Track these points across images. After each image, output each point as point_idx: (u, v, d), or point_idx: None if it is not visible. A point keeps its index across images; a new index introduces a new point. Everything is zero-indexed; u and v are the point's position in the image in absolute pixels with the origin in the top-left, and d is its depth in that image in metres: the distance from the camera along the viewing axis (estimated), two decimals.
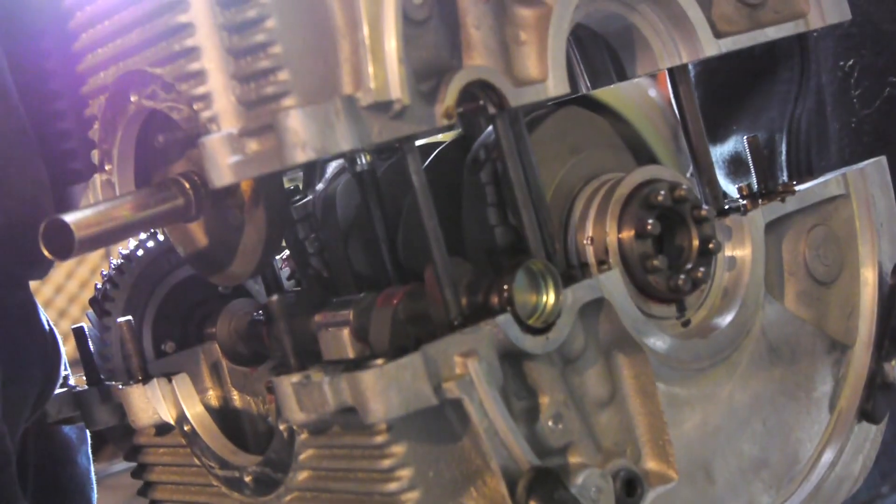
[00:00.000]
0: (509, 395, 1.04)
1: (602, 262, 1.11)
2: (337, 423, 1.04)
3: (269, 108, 0.98)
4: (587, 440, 1.07)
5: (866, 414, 1.26)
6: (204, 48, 1.03)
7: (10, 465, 1.32)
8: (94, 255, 3.28)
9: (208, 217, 1.15)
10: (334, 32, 0.98)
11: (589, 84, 1.31)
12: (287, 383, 1.01)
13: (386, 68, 0.96)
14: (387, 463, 1.01)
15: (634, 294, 1.11)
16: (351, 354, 1.15)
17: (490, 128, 1.16)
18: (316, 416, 1.01)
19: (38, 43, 1.23)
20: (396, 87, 0.96)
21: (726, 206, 1.22)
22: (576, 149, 1.16)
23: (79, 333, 1.30)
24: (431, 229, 1.02)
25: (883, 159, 1.31)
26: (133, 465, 1.34)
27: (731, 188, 1.67)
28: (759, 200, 1.22)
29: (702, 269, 1.14)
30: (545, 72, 1.05)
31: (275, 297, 1.05)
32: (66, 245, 1.05)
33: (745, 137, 1.28)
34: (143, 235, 1.35)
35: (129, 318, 1.22)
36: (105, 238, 1.07)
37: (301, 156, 0.94)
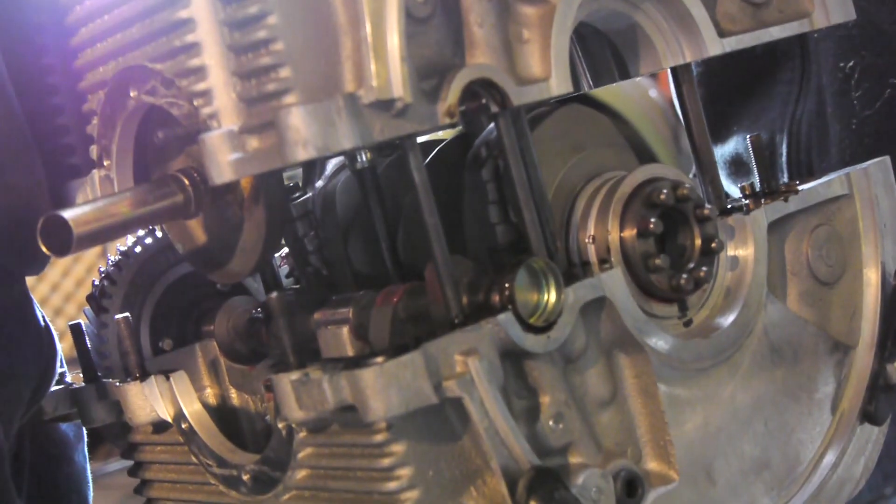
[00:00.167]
0: (510, 394, 1.05)
1: (604, 261, 1.12)
2: (336, 421, 1.05)
3: (270, 106, 0.99)
4: (588, 440, 1.08)
5: (868, 415, 1.27)
6: (205, 44, 1.03)
7: (2, 463, 1.33)
8: (91, 254, 3.29)
9: (207, 214, 1.16)
10: (336, 29, 0.99)
11: (591, 83, 1.32)
12: (286, 381, 1.02)
13: (388, 66, 0.97)
14: (386, 462, 1.02)
15: (636, 293, 1.12)
16: (350, 353, 1.16)
17: (491, 125, 1.17)
18: (315, 415, 1.02)
19: (36, 38, 1.23)
20: (399, 86, 0.97)
21: (729, 206, 1.23)
22: (578, 147, 1.17)
23: (76, 330, 1.31)
24: (432, 227, 1.03)
25: (887, 159, 1.32)
26: (129, 463, 1.35)
27: (732, 189, 1.68)
28: (762, 200, 1.23)
29: (704, 268, 1.15)
30: (548, 70, 1.06)
31: (274, 295, 1.06)
32: (65, 241, 1.05)
33: (747, 136, 1.29)
34: (141, 232, 1.36)
35: (127, 314, 1.23)
36: (103, 234, 1.08)
37: (302, 153, 0.95)
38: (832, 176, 1.28)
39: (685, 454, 1.13)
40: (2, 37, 1.26)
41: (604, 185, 1.15)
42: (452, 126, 1.05)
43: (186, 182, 1.11)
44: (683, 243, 1.16)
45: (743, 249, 1.20)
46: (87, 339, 1.32)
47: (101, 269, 1.35)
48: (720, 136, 1.76)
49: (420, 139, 1.11)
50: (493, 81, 1.04)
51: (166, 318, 1.35)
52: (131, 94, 1.12)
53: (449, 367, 0.99)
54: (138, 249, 1.34)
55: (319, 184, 1.38)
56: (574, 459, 1.07)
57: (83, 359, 1.31)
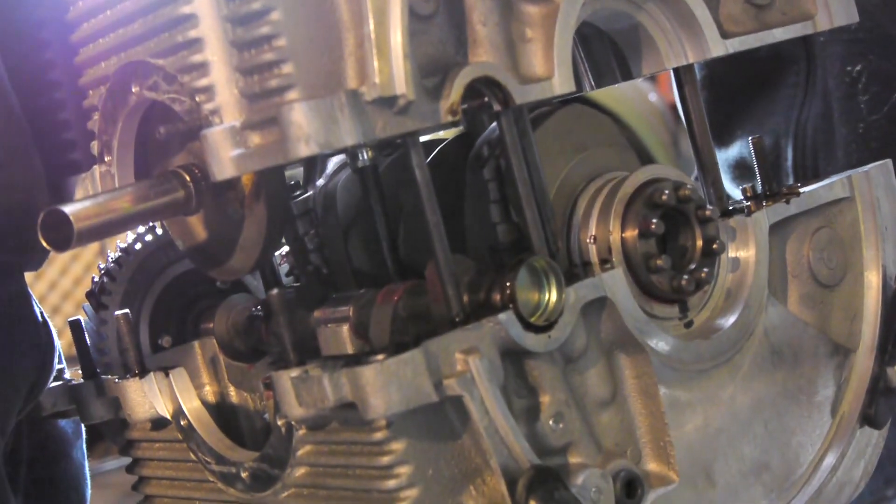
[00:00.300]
0: (510, 393, 1.05)
1: (605, 262, 1.12)
2: (336, 418, 1.05)
3: (272, 102, 1.00)
4: (588, 440, 1.09)
5: (868, 419, 1.28)
6: (207, 40, 1.04)
7: None
8: (89, 252, 3.30)
9: (208, 211, 1.16)
10: (339, 26, 0.99)
11: (593, 83, 1.33)
12: (286, 378, 1.03)
13: (391, 63, 0.97)
14: (386, 460, 1.02)
15: (637, 294, 1.13)
16: (350, 351, 1.16)
17: (493, 124, 1.18)
18: (315, 412, 1.03)
19: (37, 33, 1.24)
20: (401, 83, 0.97)
21: (730, 207, 1.23)
22: (580, 147, 1.18)
23: (75, 326, 1.32)
24: (434, 225, 1.03)
25: (888, 162, 1.32)
26: (126, 462, 1.35)
27: (735, 192, 1.69)
28: (764, 202, 1.24)
29: (705, 269, 1.15)
30: (551, 69, 1.07)
31: (275, 291, 1.06)
32: (65, 236, 1.06)
33: (749, 139, 1.29)
34: (141, 229, 1.36)
35: (127, 311, 1.23)
36: (104, 230, 1.09)
37: (304, 150, 0.96)
38: (833, 178, 1.29)
39: (685, 455, 1.13)
40: (2, 32, 1.27)
41: (605, 185, 1.16)
42: (455, 124, 1.06)
43: (187, 178, 1.12)
44: (685, 244, 1.16)
45: (744, 251, 1.20)
46: (86, 335, 1.32)
47: (101, 266, 1.35)
48: (725, 140, 1.76)
49: (421, 138, 1.12)
50: (496, 80, 1.04)
51: (166, 315, 1.35)
52: (133, 90, 1.12)
53: (449, 365, 0.99)
54: (138, 246, 1.35)
55: (320, 182, 1.39)
56: (574, 459, 1.08)
57: (82, 355, 1.31)
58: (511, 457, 1.01)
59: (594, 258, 1.13)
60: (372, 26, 0.98)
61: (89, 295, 1.34)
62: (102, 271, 1.34)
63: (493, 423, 1.01)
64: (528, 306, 1.03)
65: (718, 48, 1.19)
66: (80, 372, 1.33)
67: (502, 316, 1.02)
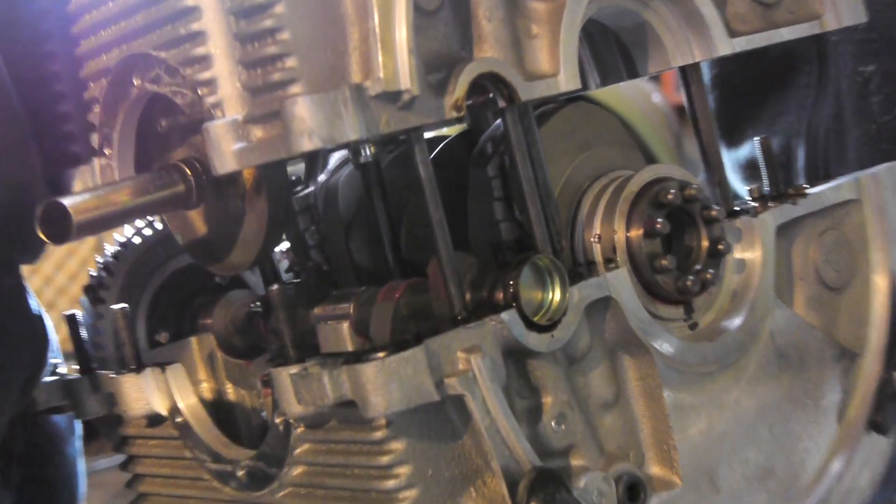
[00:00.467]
0: (512, 393, 1.06)
1: (609, 261, 1.13)
2: (335, 417, 1.06)
3: (275, 95, 1.01)
4: (590, 442, 1.10)
5: (876, 425, 1.29)
6: (210, 32, 1.05)
7: None
8: (85, 247, 3.30)
9: (209, 205, 1.17)
10: (344, 20, 1.00)
11: (599, 81, 1.33)
12: (285, 375, 1.03)
13: (396, 58, 0.98)
14: (385, 459, 1.03)
15: (641, 294, 1.14)
16: (350, 349, 1.17)
17: (497, 121, 1.19)
18: (314, 409, 1.03)
19: (38, 25, 1.24)
20: (406, 78, 0.98)
21: (737, 208, 1.24)
22: (585, 145, 1.19)
23: (71, 320, 1.33)
24: (437, 221, 1.04)
25: None
26: (118, 461, 1.36)
27: (743, 192, 1.70)
28: (770, 203, 1.24)
29: (711, 270, 1.16)
30: (557, 66, 1.08)
31: (275, 287, 1.07)
32: (64, 229, 1.07)
33: (756, 138, 1.30)
34: (140, 223, 1.37)
35: (125, 305, 1.24)
36: (103, 223, 1.10)
37: (307, 144, 0.96)
38: (841, 180, 1.30)
39: (689, 459, 1.14)
40: (2, 24, 1.27)
41: (610, 183, 1.17)
42: (459, 120, 1.07)
43: (188, 172, 1.13)
44: (690, 244, 1.17)
45: (750, 252, 1.21)
46: (82, 329, 1.33)
47: (99, 260, 1.36)
48: (735, 140, 1.77)
49: (425, 135, 1.12)
50: (501, 76, 1.05)
51: (163, 311, 1.36)
52: (134, 83, 1.13)
53: (451, 364, 1.00)
54: (137, 240, 1.36)
55: (322, 178, 1.40)
56: (576, 462, 1.09)
57: (78, 349, 1.32)
58: (512, 458, 1.02)
59: (598, 257, 1.14)
60: (377, 21, 0.99)
61: (86, 289, 1.35)
62: (100, 265, 1.35)
63: (495, 424, 1.02)
64: (531, 305, 1.04)
65: (725, 47, 1.20)
66: (75, 367, 1.34)
67: (505, 315, 1.03)
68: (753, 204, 1.25)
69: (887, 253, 1.30)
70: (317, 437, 1.09)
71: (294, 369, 1.03)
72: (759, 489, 1.21)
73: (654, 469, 1.13)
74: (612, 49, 1.29)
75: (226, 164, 1.04)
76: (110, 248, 1.37)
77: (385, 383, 0.97)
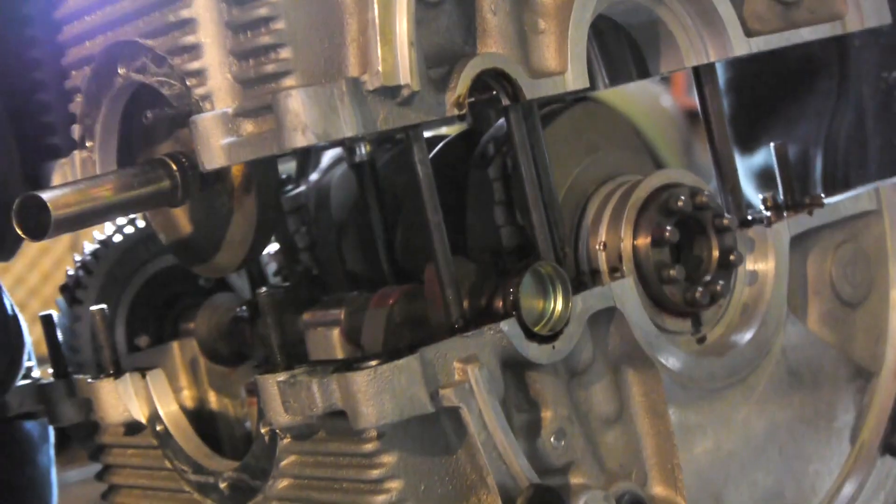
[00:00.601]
0: (510, 406, 1.06)
1: (615, 270, 1.13)
2: (323, 427, 1.06)
3: (268, 88, 1.01)
4: (591, 460, 1.10)
5: (891, 448, 1.29)
6: (201, 20, 1.05)
7: None
8: (59, 246, 3.29)
9: (195, 203, 1.17)
10: (342, 10, 1.00)
11: (607, 81, 1.34)
12: (272, 382, 1.03)
13: (396, 51, 0.98)
14: (375, 473, 1.03)
15: (648, 305, 1.14)
16: (340, 356, 1.17)
17: (500, 121, 1.19)
18: (301, 419, 1.03)
19: (19, 9, 1.24)
20: (406, 72, 0.98)
21: (749, 217, 1.24)
22: (592, 147, 1.19)
23: (47, 322, 1.32)
24: (435, 225, 1.04)
25: None
26: (92, 471, 1.36)
27: (758, 201, 1.70)
28: (785, 212, 1.25)
29: (721, 282, 1.16)
30: (564, 63, 1.08)
31: (264, 290, 1.07)
32: (42, 224, 1.07)
33: (772, 144, 1.30)
34: (121, 220, 1.37)
35: (104, 306, 1.24)
36: (83, 219, 1.10)
37: (301, 139, 0.96)
38: (860, 190, 1.30)
39: (694, 480, 1.14)
40: None
41: (618, 188, 1.17)
42: (461, 118, 1.07)
43: (174, 167, 1.12)
44: (700, 254, 1.17)
45: (763, 264, 1.21)
46: (58, 331, 1.33)
47: (77, 259, 1.36)
48: (750, 147, 1.77)
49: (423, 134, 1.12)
50: (506, 73, 1.05)
51: (144, 314, 1.36)
52: (119, 72, 1.13)
53: (447, 374, 1.00)
54: (118, 238, 1.36)
55: (314, 177, 1.40)
56: (575, 480, 1.09)
57: (53, 352, 1.32)
58: (509, 474, 1.02)
59: (603, 266, 1.14)
60: (377, 11, 0.99)
61: (63, 289, 1.35)
62: (78, 264, 1.35)
63: (492, 438, 1.02)
64: (531, 314, 1.05)
65: (742, 47, 1.20)
66: (50, 370, 1.34)
67: (504, 324, 1.03)
68: (767, 213, 1.25)
69: None
70: (304, 449, 1.09)
71: (282, 376, 1.03)
72: None
73: (658, 489, 1.13)
74: (623, 47, 1.29)
75: (214, 159, 1.04)
76: (89, 247, 1.37)
77: (377, 393, 0.97)
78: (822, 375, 1.26)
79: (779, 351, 1.22)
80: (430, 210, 1.04)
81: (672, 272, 1.13)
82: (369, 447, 1.03)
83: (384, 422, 0.98)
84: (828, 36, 1.25)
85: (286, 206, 1.35)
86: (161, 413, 1.23)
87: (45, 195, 1.07)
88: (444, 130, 1.41)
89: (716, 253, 1.17)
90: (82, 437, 1.33)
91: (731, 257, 1.17)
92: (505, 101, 1.06)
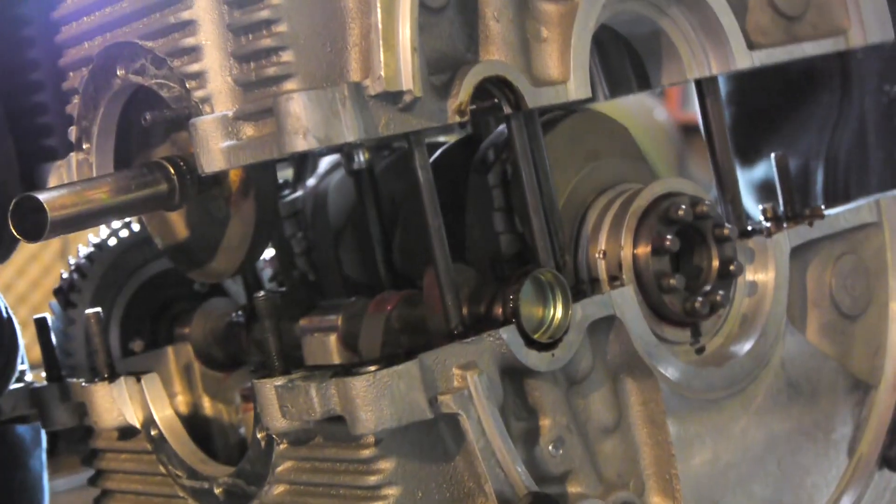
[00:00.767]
0: (508, 414, 1.07)
1: (614, 278, 1.15)
2: (321, 433, 1.07)
3: (268, 91, 1.02)
4: (588, 469, 1.11)
5: (889, 461, 1.30)
6: (201, 22, 1.06)
7: None
8: (48, 253, 3.29)
9: (192, 207, 1.18)
10: (344, 14, 1.02)
11: (607, 92, 1.35)
12: (270, 387, 1.04)
13: (398, 56, 1.00)
14: (372, 479, 1.04)
15: (647, 315, 1.15)
16: (337, 362, 1.18)
17: (500, 127, 1.20)
18: (299, 424, 1.04)
19: (16, 9, 1.26)
20: (408, 78, 1.00)
21: (750, 228, 1.25)
22: (592, 155, 1.20)
23: (41, 325, 1.33)
24: (435, 230, 1.05)
25: None
26: (82, 478, 1.36)
27: (758, 213, 1.71)
28: (785, 223, 1.26)
29: (721, 292, 1.18)
30: (566, 72, 1.10)
31: (262, 294, 1.08)
32: (38, 226, 1.08)
33: (772, 155, 1.31)
34: (117, 223, 1.38)
35: (98, 309, 1.25)
36: (80, 221, 1.10)
37: (302, 143, 0.97)
38: (861, 202, 1.32)
39: (691, 490, 1.15)
40: None
41: (618, 197, 1.18)
42: (462, 125, 1.08)
43: (171, 170, 1.13)
44: (700, 264, 1.19)
45: (763, 274, 1.23)
46: (52, 334, 1.33)
47: (72, 261, 1.37)
48: (750, 159, 1.79)
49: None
50: (508, 80, 1.07)
51: (138, 318, 1.37)
52: (118, 73, 1.14)
53: (446, 380, 1.01)
54: (113, 242, 1.37)
55: (311, 182, 1.41)
56: (573, 489, 1.10)
57: (47, 356, 1.32)
58: (507, 482, 1.03)
59: (603, 274, 1.15)
60: (379, 16, 1.00)
61: (57, 292, 1.36)
62: (73, 267, 1.36)
63: (490, 445, 1.03)
64: (531, 321, 1.06)
65: (744, 60, 1.21)
66: (43, 374, 1.34)
67: (504, 331, 1.04)
68: (767, 224, 1.26)
69: None
70: (300, 455, 1.10)
71: (279, 381, 1.04)
72: None
73: (655, 499, 1.14)
74: (623, 58, 1.31)
75: (213, 162, 1.05)
76: (84, 250, 1.37)
77: (376, 398, 0.98)
78: (821, 387, 1.27)
79: (778, 362, 1.23)
80: (431, 215, 1.05)
81: (672, 281, 1.14)
82: (367, 453, 1.03)
83: (382, 427, 0.98)
84: (831, 51, 1.26)
85: (283, 212, 1.36)
86: (156, 417, 1.24)
87: (42, 196, 1.07)
88: (440, 138, 1.43)
89: (716, 263, 1.18)
90: (75, 442, 1.34)
91: (731, 267, 1.18)
92: (507, 109, 1.08)
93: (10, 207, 1.07)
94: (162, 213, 1.21)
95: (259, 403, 1.07)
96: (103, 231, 1.39)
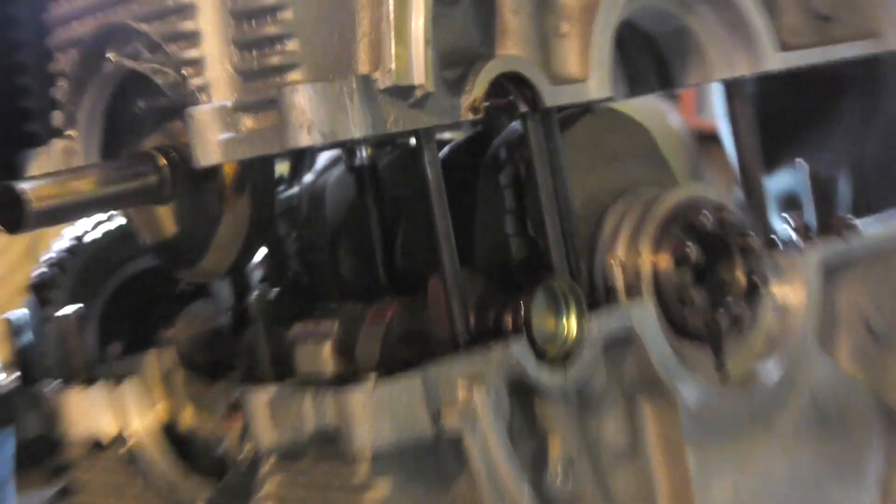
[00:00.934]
0: (515, 434, 1.09)
1: (632, 289, 1.17)
2: (313, 447, 1.09)
3: (271, 82, 1.05)
4: (600, 496, 1.13)
5: None
6: (201, 5, 1.09)
7: None
8: (13, 250, 3.31)
9: (182, 201, 1.20)
10: (354, 2, 1.04)
11: (626, 91, 1.38)
12: (260, 397, 1.07)
13: (410, 49, 1.02)
14: (367, 500, 1.05)
15: (666, 330, 1.17)
16: (331, 372, 1.20)
17: (512, 124, 1.23)
18: (290, 438, 1.06)
19: None
20: (420, 71, 1.02)
21: (777, 240, 1.27)
22: (611, 157, 1.23)
23: (12, 323, 1.35)
24: (443, 232, 1.07)
25: None
26: (50, 494, 1.38)
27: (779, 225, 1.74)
28: (816, 235, 1.28)
29: (745, 307, 1.20)
30: (587, 70, 1.12)
31: (256, 296, 1.10)
32: (18, 216, 1.10)
33: (800, 161, 1.33)
34: (99, 216, 1.40)
35: (79, 307, 1.27)
36: (63, 213, 1.13)
37: (306, 138, 1.00)
38: None
39: None
40: None
41: (638, 202, 1.20)
42: (475, 123, 1.10)
43: (163, 162, 1.16)
44: (724, 277, 1.21)
45: (791, 291, 1.25)
46: (24, 333, 1.35)
47: (51, 256, 1.39)
48: (771, 169, 1.81)
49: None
50: (525, 77, 1.09)
51: (118, 318, 1.39)
52: (109, 57, 1.17)
53: (450, 394, 1.03)
54: (94, 236, 1.39)
55: (308, 178, 1.44)
56: None
57: (17, 357, 1.34)
58: None
59: (620, 285, 1.18)
60: (391, 5, 1.02)
61: (33, 287, 1.38)
62: (51, 261, 1.38)
63: (495, 467, 1.05)
64: (543, 334, 1.08)
65: (775, 61, 1.24)
66: (11, 376, 1.36)
67: (513, 342, 1.06)
68: (795, 236, 1.28)
69: None
70: (290, 471, 1.11)
71: (270, 390, 1.06)
72: None
73: None
74: (644, 55, 1.33)
75: (210, 155, 1.08)
76: (63, 242, 1.39)
77: (375, 413, 1.00)
78: (851, 417, 1.29)
79: (805, 388, 1.26)
80: (439, 216, 1.08)
81: (694, 295, 1.17)
82: (362, 473, 1.05)
83: (381, 444, 1.01)
84: (866, 54, 1.29)
85: (277, 209, 1.38)
86: (134, 427, 1.26)
87: (23, 185, 1.10)
88: (445, 135, 1.45)
89: (741, 276, 1.20)
90: (44, 452, 1.35)
91: (758, 282, 1.20)
92: (523, 108, 1.10)
93: None
94: (150, 206, 1.23)
95: (247, 414, 1.09)
96: (83, 223, 1.41)
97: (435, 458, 1.07)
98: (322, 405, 1.02)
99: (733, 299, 1.20)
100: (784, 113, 1.77)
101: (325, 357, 1.22)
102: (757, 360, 1.24)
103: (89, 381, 1.27)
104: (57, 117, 1.23)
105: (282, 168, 1.47)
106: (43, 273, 1.38)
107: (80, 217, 1.21)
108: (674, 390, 1.15)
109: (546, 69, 1.12)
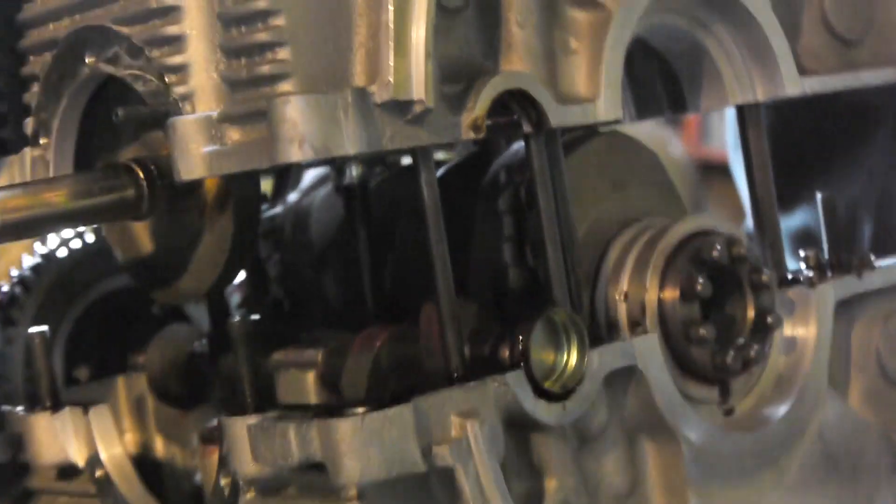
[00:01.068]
0: (509, 472, 1.10)
1: (636, 324, 1.18)
2: (296, 481, 1.10)
3: (260, 92, 1.06)
4: None
5: None
6: (187, 8, 1.10)
7: None
8: None
9: (160, 217, 1.21)
10: (351, 10, 1.05)
11: (633, 114, 1.40)
12: (241, 425, 1.07)
13: (410, 61, 1.03)
14: None
15: (672, 368, 1.19)
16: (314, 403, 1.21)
17: (514, 145, 1.24)
18: (272, 470, 1.07)
19: None
20: (420, 86, 1.03)
21: (790, 276, 1.29)
22: (618, 184, 1.25)
23: None
24: (439, 257, 1.08)
25: None
26: None
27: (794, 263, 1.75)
28: (830, 273, 1.30)
29: (755, 346, 1.22)
30: (596, 90, 1.14)
31: (237, 319, 1.11)
32: None
33: (818, 195, 1.35)
34: (68, 232, 1.41)
35: (45, 328, 1.28)
36: (33, 226, 1.14)
37: (296, 153, 1.01)
38: None
39: None
40: None
41: (644, 232, 1.22)
42: (476, 142, 1.12)
43: (141, 174, 1.16)
44: (733, 314, 1.23)
45: (803, 329, 1.27)
46: None
47: (14, 273, 1.40)
48: (786, 205, 1.82)
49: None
50: (530, 95, 1.10)
51: (87, 341, 1.39)
52: (86, 61, 1.18)
53: (442, 429, 1.04)
54: (62, 252, 1.40)
55: (293, 197, 1.45)
56: None
57: None
58: None
59: (623, 319, 1.19)
60: (391, 15, 1.04)
61: None
62: (15, 279, 1.39)
63: None
64: (541, 367, 1.09)
65: (794, 87, 1.26)
66: None
67: (510, 376, 1.07)
68: (809, 273, 1.30)
69: None
70: None
71: (252, 419, 1.07)
72: None
73: None
74: (654, 76, 1.35)
75: (193, 169, 1.08)
76: (29, 260, 1.40)
77: (364, 445, 1.01)
78: (863, 462, 1.31)
79: (815, 431, 1.27)
80: (435, 241, 1.08)
81: (701, 331, 1.18)
82: None
83: (369, 479, 1.01)
84: (891, 81, 1.31)
85: (258, 229, 1.40)
86: (103, 456, 1.27)
87: None
88: (438, 155, 1.46)
89: (751, 313, 1.22)
90: (7, 481, 1.36)
91: (769, 319, 1.22)
92: (527, 128, 1.12)
93: None
94: (125, 222, 1.24)
95: (227, 444, 1.10)
96: (52, 240, 1.42)
97: (425, 493, 1.08)
98: (307, 435, 1.03)
99: (743, 338, 1.21)
100: (801, 143, 1.79)
101: (308, 386, 1.23)
102: (765, 401, 1.26)
103: (55, 406, 1.27)
104: (29, 124, 1.24)
105: (264, 185, 1.48)
106: (6, 291, 1.39)
107: (50, 231, 1.22)
108: (677, 430, 1.17)
109: (552, 87, 1.13)
